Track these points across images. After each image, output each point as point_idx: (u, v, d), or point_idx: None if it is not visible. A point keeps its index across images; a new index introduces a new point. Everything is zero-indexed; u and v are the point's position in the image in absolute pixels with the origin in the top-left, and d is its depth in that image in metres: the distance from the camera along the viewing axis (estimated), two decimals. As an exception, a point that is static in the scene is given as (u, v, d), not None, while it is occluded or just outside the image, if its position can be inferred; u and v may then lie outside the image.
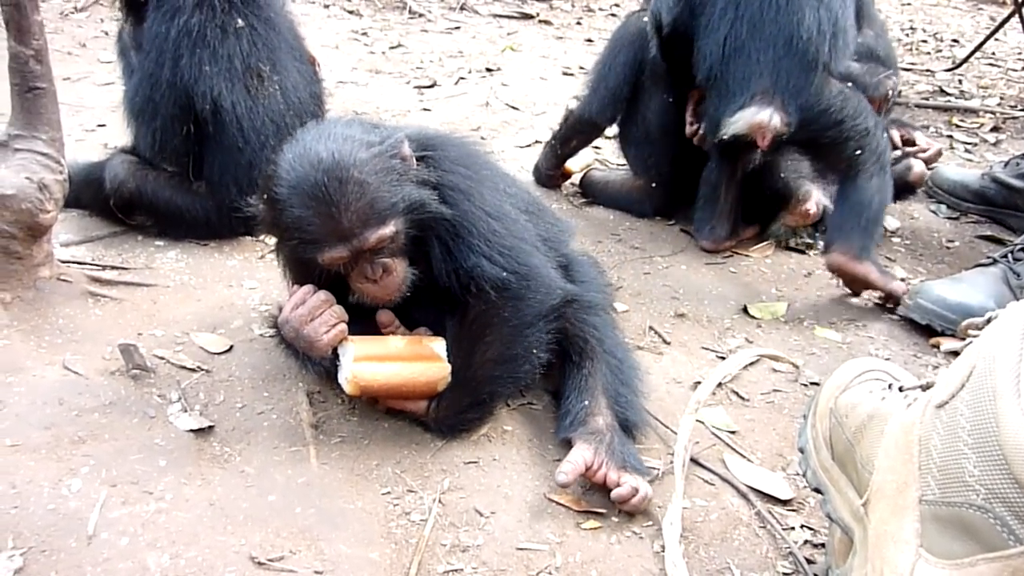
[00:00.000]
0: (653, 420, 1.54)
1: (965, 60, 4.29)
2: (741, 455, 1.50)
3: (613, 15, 5.26)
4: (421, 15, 4.74)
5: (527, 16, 4.91)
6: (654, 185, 2.40)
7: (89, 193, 2.02)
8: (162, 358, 1.56)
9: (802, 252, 2.32)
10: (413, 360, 1.44)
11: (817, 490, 1.12)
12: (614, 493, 1.30)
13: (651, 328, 1.87)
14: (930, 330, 1.93)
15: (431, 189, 1.44)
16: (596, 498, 1.34)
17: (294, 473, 1.33)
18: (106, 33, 3.81)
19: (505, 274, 1.44)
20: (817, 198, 2.27)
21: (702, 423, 1.56)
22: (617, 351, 1.57)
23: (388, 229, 1.37)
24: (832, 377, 1.17)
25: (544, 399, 1.59)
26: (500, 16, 4.92)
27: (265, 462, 1.35)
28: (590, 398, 1.46)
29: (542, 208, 1.76)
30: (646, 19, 2.29)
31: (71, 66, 3.38)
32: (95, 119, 2.81)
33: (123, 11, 2.04)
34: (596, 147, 2.81)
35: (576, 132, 2.49)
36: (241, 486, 1.29)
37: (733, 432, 1.57)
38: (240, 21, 1.93)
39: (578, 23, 4.95)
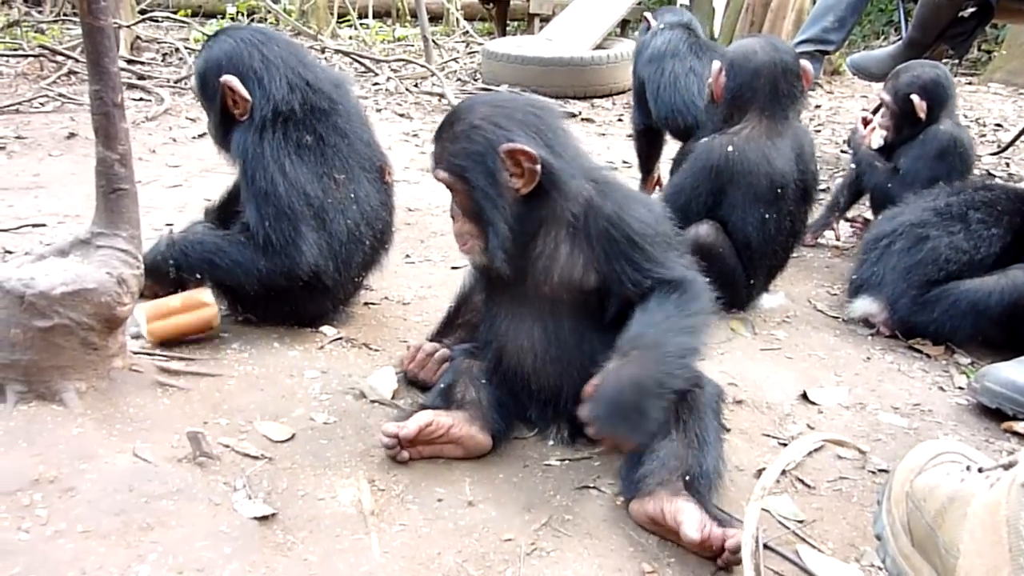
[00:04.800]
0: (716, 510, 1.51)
1: (1011, 143, 4.30)
2: (812, 545, 1.45)
3: (654, 111, 5.41)
4: (468, 116, 4.94)
5: (570, 115, 5.07)
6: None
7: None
8: (227, 446, 1.59)
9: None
10: (192, 310, 1.96)
11: (898, 579, 1.08)
12: (730, 543, 1.32)
13: (710, 414, 1.85)
14: (1000, 414, 1.87)
15: None
16: (663, 589, 1.30)
17: (356, 562, 1.33)
18: (174, 140, 4.04)
19: None
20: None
21: (768, 512, 1.52)
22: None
23: None
24: (905, 460, 1.15)
25: (606, 482, 1.57)
26: (544, 115, 5.10)
27: (328, 550, 1.35)
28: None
29: None
30: (730, 148, 2.29)
31: (142, 170, 3.57)
32: (163, 219, 2.95)
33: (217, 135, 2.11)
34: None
35: None
36: (304, 575, 1.29)
37: (801, 521, 1.52)
38: (309, 138, 2.01)
39: (619, 120, 5.09)
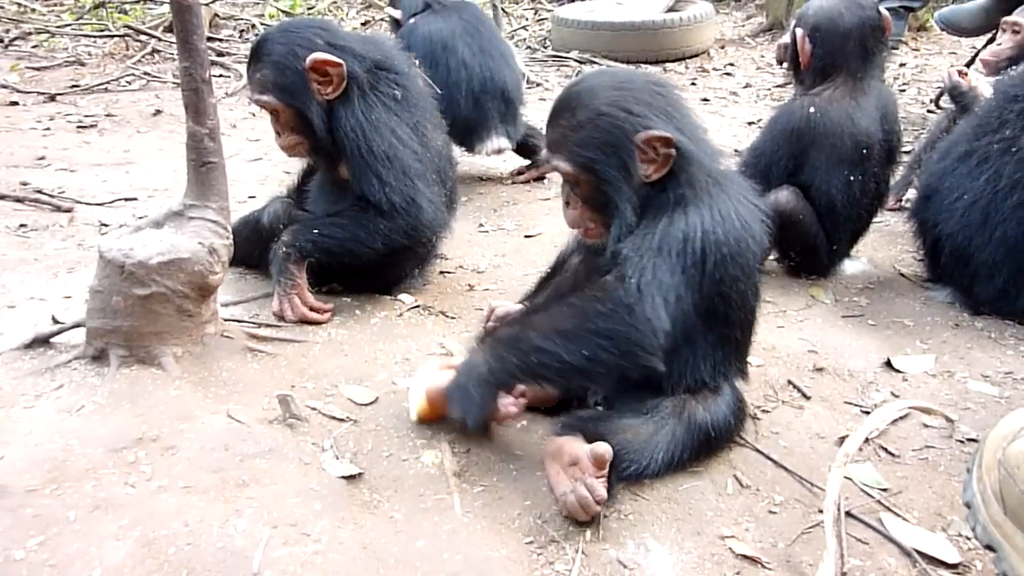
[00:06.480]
0: (795, 475, 1.50)
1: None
2: (896, 514, 1.42)
3: (728, 74, 5.27)
4: (539, 84, 4.90)
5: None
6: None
7: (246, 232, 2.15)
8: (314, 408, 1.66)
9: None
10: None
11: (989, 547, 1.06)
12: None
13: (790, 382, 1.82)
14: (1100, 384, 1.79)
15: None
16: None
17: (440, 520, 1.37)
18: (253, 115, 4.15)
19: None
20: None
21: (850, 480, 1.50)
22: None
23: None
24: (997, 427, 1.11)
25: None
26: (615, 81, 5.03)
27: (412, 509, 1.40)
28: None
29: None
30: (812, 109, 2.22)
31: (224, 144, 3.67)
32: (246, 191, 3.05)
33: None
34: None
35: None
36: (391, 531, 1.34)
37: (884, 490, 1.49)
38: (398, 92, 2.04)
39: (692, 84, 4.98)
